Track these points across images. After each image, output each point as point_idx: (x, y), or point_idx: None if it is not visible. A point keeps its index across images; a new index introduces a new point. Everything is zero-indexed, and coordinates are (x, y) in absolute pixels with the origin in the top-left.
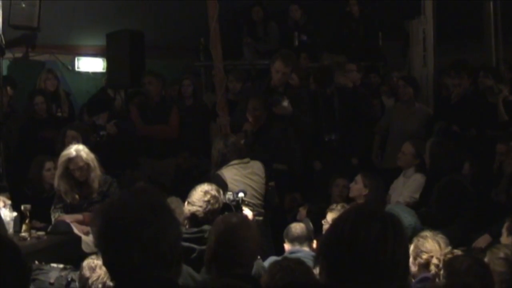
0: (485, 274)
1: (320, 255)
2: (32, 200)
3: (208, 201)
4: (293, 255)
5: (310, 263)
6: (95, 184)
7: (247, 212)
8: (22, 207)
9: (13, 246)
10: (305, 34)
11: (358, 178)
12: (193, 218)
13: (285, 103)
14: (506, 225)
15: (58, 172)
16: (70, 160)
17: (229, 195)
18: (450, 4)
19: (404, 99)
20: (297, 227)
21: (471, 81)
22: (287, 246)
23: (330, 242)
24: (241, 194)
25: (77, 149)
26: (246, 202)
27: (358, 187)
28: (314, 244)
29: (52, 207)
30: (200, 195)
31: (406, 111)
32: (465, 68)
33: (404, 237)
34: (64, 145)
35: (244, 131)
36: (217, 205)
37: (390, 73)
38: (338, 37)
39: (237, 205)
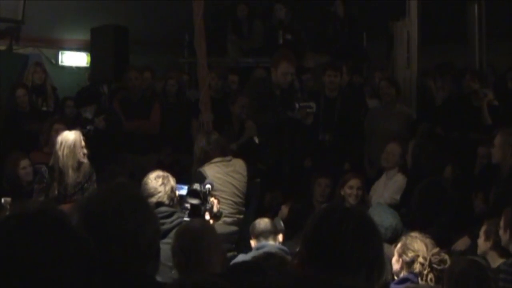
0: (484, 277)
1: (302, 250)
2: (11, 194)
3: (163, 183)
4: (260, 251)
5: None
6: (86, 168)
7: (213, 201)
8: (3, 200)
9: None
10: (289, 33)
11: (355, 182)
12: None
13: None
14: (483, 229)
15: (64, 152)
16: (76, 140)
17: (196, 186)
18: (435, 7)
19: (387, 100)
20: (261, 222)
21: (455, 84)
22: (253, 242)
23: (310, 240)
24: (208, 186)
25: (77, 132)
26: (214, 195)
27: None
28: (280, 238)
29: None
30: (154, 183)
31: (388, 112)
32: (450, 71)
33: (374, 235)
34: (50, 138)
35: (250, 127)
36: (170, 182)
37: (373, 73)
38: (322, 37)
39: (204, 197)
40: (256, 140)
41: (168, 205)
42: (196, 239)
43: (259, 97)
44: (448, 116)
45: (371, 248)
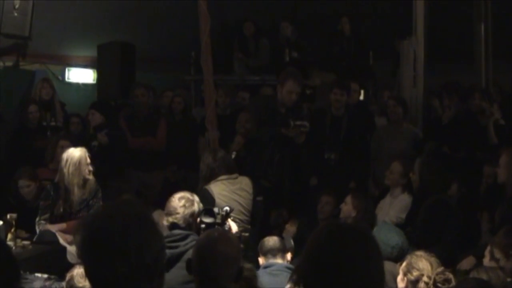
0: None
1: (303, 266)
2: (16, 209)
3: (184, 205)
4: (268, 269)
5: (284, 274)
6: (91, 185)
7: (232, 225)
8: (8, 216)
9: (4, 244)
10: (296, 51)
11: (348, 199)
12: (175, 228)
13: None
14: (488, 248)
15: (70, 169)
16: (82, 157)
17: (215, 209)
18: (441, 25)
19: (394, 119)
20: (269, 240)
21: (462, 103)
22: (261, 260)
23: (312, 257)
24: (226, 208)
25: (83, 149)
26: (232, 218)
27: (347, 208)
28: (289, 256)
29: (38, 218)
30: (177, 203)
31: (395, 131)
32: (456, 90)
33: (377, 253)
34: (56, 154)
35: (237, 142)
36: (194, 207)
37: (382, 92)
38: (328, 55)
39: (222, 218)
40: (233, 155)
41: (183, 229)
42: (211, 246)
43: (260, 114)
44: (454, 135)
45: (373, 266)
